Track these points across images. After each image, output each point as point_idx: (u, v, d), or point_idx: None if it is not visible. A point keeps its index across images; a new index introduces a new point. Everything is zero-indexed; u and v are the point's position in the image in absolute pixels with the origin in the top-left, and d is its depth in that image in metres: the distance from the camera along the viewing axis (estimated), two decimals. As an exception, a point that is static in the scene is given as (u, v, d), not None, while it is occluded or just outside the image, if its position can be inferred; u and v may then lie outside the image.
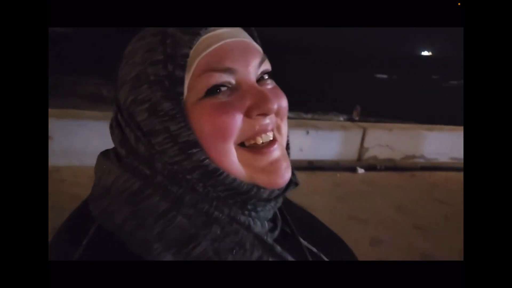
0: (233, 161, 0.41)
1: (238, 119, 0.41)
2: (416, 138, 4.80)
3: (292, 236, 0.50)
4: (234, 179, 0.41)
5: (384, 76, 35.70)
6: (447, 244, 2.91)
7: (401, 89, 25.30)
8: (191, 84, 0.40)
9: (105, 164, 0.44)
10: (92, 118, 3.54)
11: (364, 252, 2.77)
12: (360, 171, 4.33)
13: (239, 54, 0.42)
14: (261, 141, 0.44)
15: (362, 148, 4.53)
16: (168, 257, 0.37)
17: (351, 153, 4.47)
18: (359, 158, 4.54)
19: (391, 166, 4.57)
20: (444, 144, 4.94)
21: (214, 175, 0.40)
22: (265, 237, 0.43)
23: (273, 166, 0.44)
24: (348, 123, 4.64)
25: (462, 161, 4.11)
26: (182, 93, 0.39)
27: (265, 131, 0.43)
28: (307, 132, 4.13)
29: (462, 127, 5.17)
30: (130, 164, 0.42)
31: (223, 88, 0.41)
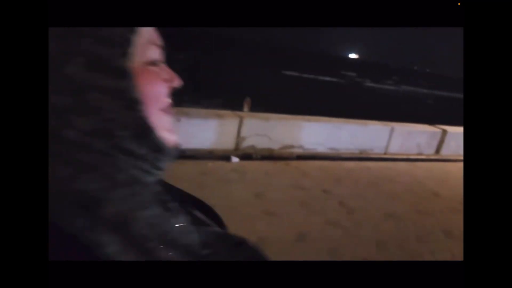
0: (159, 125, 0.45)
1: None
2: (294, 129, 4.95)
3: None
4: (162, 139, 0.44)
5: (311, 75, 37.15)
6: (289, 228, 3.00)
7: (317, 88, 26.57)
8: (138, 50, 0.43)
9: None
10: None
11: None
12: (235, 160, 4.34)
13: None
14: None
15: (239, 138, 4.54)
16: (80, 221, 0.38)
17: (227, 142, 4.46)
18: (237, 147, 4.55)
19: (268, 156, 4.66)
20: (322, 134, 5.18)
21: (150, 133, 0.42)
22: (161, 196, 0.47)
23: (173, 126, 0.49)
24: (223, 112, 4.62)
25: (339, 151, 4.31)
26: (132, 55, 0.42)
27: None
28: (179, 120, 4.01)
29: (339, 119, 5.46)
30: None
31: (158, 61, 0.46)
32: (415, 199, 4.10)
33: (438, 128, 6.31)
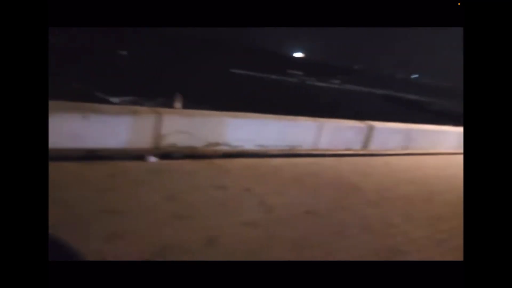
0: None
1: None
2: (220, 125, 4.74)
3: None
4: None
5: (257, 73, 37.28)
6: (199, 232, 2.78)
7: (264, 86, 26.83)
8: None
9: None
10: None
11: (96, 248, 2.44)
12: (152, 159, 4.03)
13: None
14: None
15: (158, 135, 4.23)
16: None
17: (144, 141, 4.13)
18: (156, 146, 4.24)
19: (191, 154, 4.41)
20: (250, 131, 5.03)
21: None
22: None
23: None
24: (139, 108, 4.30)
25: (267, 148, 4.17)
26: None
27: None
28: (83, 117, 3.61)
29: (267, 115, 5.36)
30: None
31: None
32: (337, 194, 4.10)
33: (366, 123, 6.48)
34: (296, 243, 2.89)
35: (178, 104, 6.37)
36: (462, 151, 6.29)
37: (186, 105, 6.25)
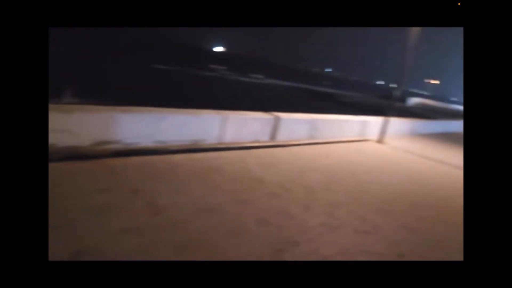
0: None
1: None
2: (109, 122, 4.28)
3: None
4: None
5: (178, 68, 36.23)
6: (64, 246, 2.38)
7: (186, 81, 26.23)
8: None
9: None
10: None
11: None
12: (20, 164, 3.43)
13: None
14: None
15: (28, 135, 3.64)
16: None
17: (9, 142, 3.51)
18: (27, 148, 3.64)
19: (74, 155, 3.89)
20: (146, 127, 4.64)
21: None
22: None
23: None
24: (0, 104, 3.68)
25: (167, 144, 3.79)
26: None
27: None
28: None
29: (165, 109, 5.00)
30: None
31: None
32: (238, 189, 3.95)
33: (272, 115, 6.49)
34: (181, 247, 2.65)
35: (68, 99, 5.70)
36: (362, 138, 6.60)
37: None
